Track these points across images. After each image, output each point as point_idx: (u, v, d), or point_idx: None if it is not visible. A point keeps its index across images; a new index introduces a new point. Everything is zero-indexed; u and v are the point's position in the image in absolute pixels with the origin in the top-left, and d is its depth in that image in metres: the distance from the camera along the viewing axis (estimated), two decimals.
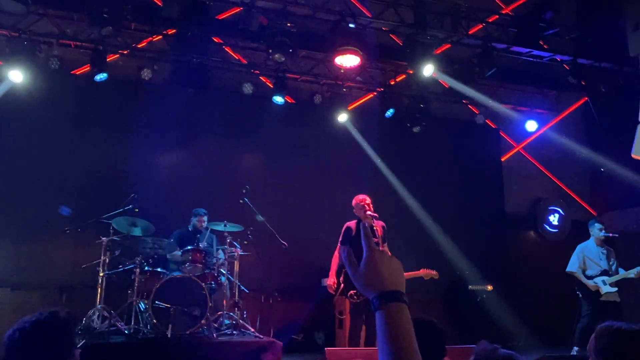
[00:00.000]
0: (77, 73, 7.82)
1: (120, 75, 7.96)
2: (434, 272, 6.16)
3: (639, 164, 8.17)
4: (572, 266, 7.25)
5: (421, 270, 6.19)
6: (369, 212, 5.76)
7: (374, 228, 5.86)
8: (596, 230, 7.28)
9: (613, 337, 1.69)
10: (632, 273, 7.00)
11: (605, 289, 6.98)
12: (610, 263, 7.20)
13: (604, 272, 7.10)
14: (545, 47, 8.83)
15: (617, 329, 1.70)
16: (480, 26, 8.80)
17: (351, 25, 7.67)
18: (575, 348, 6.71)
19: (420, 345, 2.42)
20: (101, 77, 7.38)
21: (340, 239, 6.12)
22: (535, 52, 8.90)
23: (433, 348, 2.44)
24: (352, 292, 5.73)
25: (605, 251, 7.26)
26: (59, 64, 7.38)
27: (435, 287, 7.96)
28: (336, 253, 6.10)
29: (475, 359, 1.46)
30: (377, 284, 1.15)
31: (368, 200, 5.94)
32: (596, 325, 1.95)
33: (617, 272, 7.12)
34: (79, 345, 2.05)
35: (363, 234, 1.23)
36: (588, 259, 7.20)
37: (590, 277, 7.10)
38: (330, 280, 5.97)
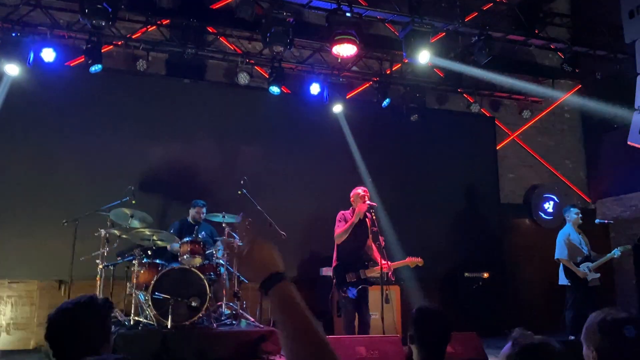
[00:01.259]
0: (72, 64, 7.75)
1: (115, 66, 7.92)
2: (419, 260, 6.18)
3: (634, 152, 8.24)
4: (561, 253, 7.14)
5: (407, 258, 6.22)
6: (368, 202, 5.85)
7: (366, 219, 5.94)
8: (573, 215, 7.23)
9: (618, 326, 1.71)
10: (615, 253, 6.99)
11: (590, 276, 6.98)
12: (589, 249, 7.18)
13: (587, 258, 7.09)
14: (540, 35, 8.83)
15: (622, 318, 1.72)
16: (476, 14, 8.77)
17: (347, 14, 7.63)
18: (571, 337, 6.60)
19: (426, 332, 2.46)
20: (96, 68, 7.29)
21: (336, 229, 6.13)
22: (531, 41, 8.91)
23: (439, 335, 2.49)
24: (344, 287, 5.80)
25: (584, 237, 7.24)
26: (54, 55, 7.31)
27: (431, 275, 8.05)
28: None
29: (514, 344, 1.52)
30: (265, 269, 1.28)
31: (367, 193, 6.05)
32: (588, 312, 1.95)
33: (596, 258, 7.08)
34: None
35: (243, 230, 1.40)
36: (572, 246, 7.15)
37: (576, 264, 7.06)
38: None
